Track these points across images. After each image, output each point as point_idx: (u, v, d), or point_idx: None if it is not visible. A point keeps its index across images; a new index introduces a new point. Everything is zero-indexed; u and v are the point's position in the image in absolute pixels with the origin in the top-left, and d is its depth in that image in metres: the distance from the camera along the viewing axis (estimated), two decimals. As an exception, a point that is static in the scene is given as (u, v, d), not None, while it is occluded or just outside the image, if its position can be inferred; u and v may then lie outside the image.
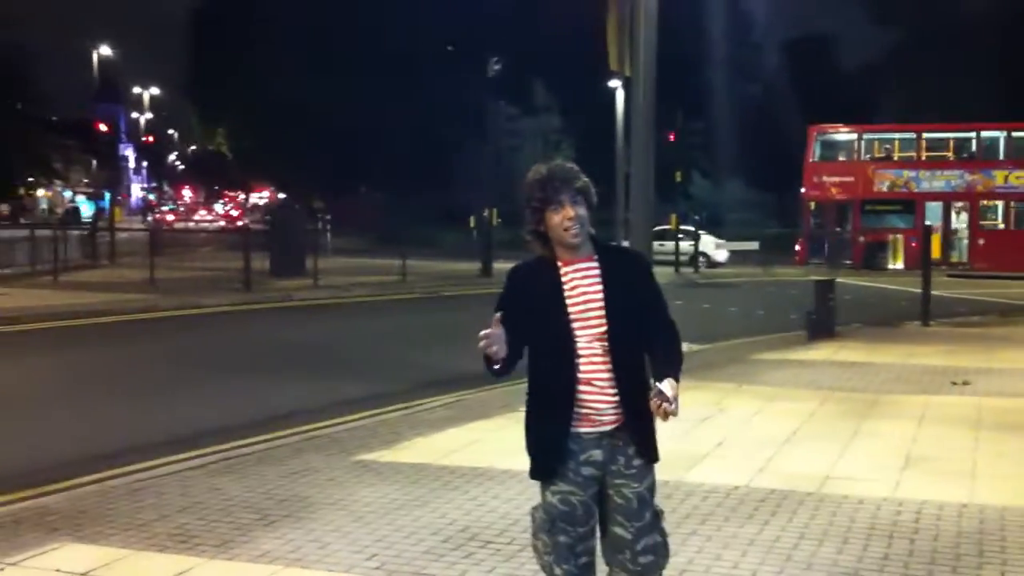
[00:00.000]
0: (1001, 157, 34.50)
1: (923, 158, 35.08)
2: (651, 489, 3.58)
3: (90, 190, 75.05)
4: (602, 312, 3.46)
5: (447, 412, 9.35)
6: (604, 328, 3.45)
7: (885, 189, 34.91)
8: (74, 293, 20.19)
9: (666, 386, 3.37)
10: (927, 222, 28.42)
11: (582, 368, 3.47)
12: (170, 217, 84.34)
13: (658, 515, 3.61)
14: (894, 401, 9.77)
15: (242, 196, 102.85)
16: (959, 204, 34.64)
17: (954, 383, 10.64)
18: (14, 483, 6.99)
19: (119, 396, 10.67)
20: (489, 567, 5.20)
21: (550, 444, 3.52)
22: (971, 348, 13.44)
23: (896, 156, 35.69)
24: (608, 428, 3.50)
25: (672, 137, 30.76)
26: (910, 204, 34.41)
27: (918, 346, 13.74)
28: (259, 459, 7.56)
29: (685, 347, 12.81)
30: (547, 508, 3.56)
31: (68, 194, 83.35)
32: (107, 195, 49.15)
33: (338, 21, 52.59)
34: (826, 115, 39.55)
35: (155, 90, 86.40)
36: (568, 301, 3.47)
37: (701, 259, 32.36)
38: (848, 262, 32.81)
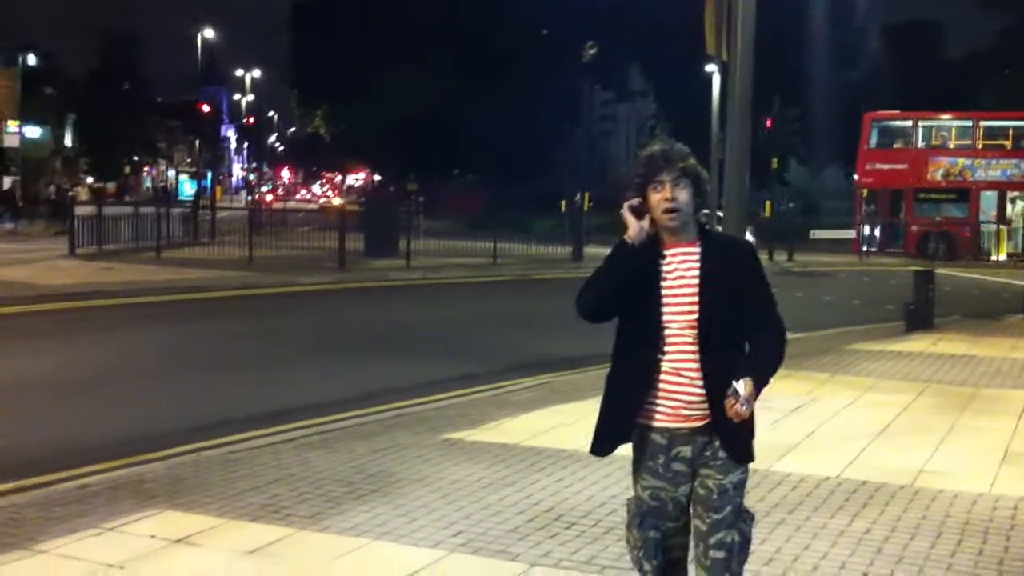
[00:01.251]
0: None
1: (979, 147, 34.11)
2: (737, 485, 3.42)
3: (192, 170, 76.83)
4: (695, 300, 3.33)
5: (535, 394, 9.38)
6: (695, 317, 3.33)
7: (939, 178, 34.03)
8: (175, 269, 20.74)
9: (740, 385, 3.25)
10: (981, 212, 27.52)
11: (670, 356, 3.35)
12: (269, 197, 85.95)
13: (742, 514, 3.44)
14: (994, 395, 9.51)
15: (339, 177, 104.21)
16: (1014, 194, 33.62)
17: (1058, 379, 10.31)
18: (114, 452, 7.22)
19: (216, 370, 10.93)
20: (573, 548, 5.22)
21: (611, 425, 3.46)
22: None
23: (952, 144, 34.73)
24: (697, 425, 3.37)
25: (769, 123, 30.24)
26: (964, 193, 33.54)
27: (1020, 339, 13.34)
28: (350, 435, 7.69)
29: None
30: (638, 502, 3.49)
31: (171, 174, 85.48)
32: (208, 175, 50.22)
33: (437, 6, 52.84)
34: (927, 102, 38.52)
35: (256, 72, 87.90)
36: (663, 284, 3.36)
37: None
38: (899, 251, 31.91)
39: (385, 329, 14.52)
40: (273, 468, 6.66)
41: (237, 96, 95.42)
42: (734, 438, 3.38)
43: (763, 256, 27.72)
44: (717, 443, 3.38)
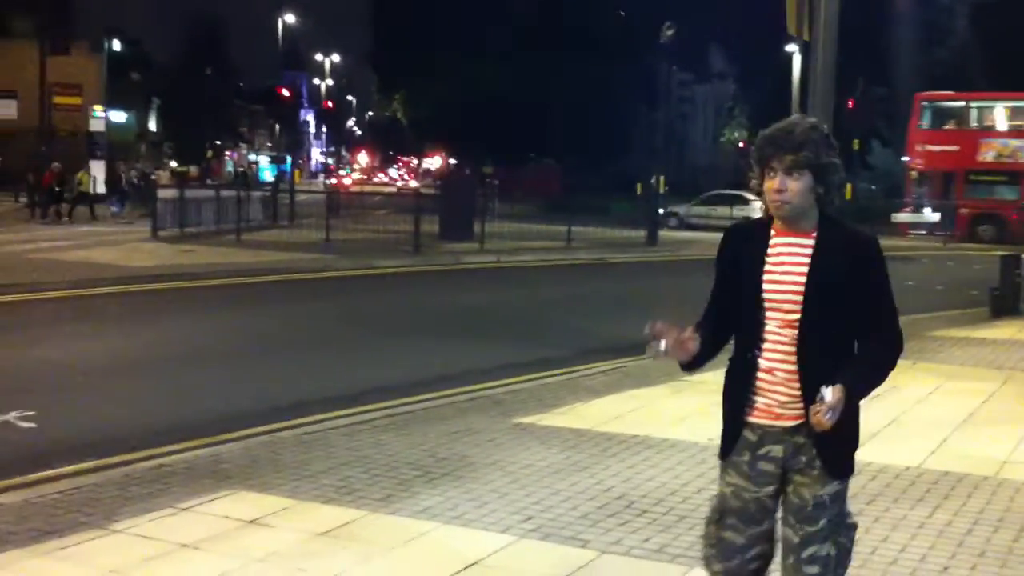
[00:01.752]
0: None
1: None
2: (835, 497, 3.15)
3: (273, 154, 77.96)
4: (799, 297, 3.04)
5: (608, 379, 9.31)
6: (797, 316, 3.05)
7: (991, 159, 32.98)
8: (254, 251, 21.04)
9: (828, 392, 2.93)
10: None
11: (766, 354, 3.11)
12: (347, 181, 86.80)
13: (842, 526, 3.20)
14: (1085, 385, 9.20)
15: (415, 161, 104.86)
16: None
17: None
18: (193, 432, 7.32)
19: (294, 352, 11.04)
20: (644, 536, 5.16)
21: (726, 424, 3.24)
22: None
23: (1005, 126, 33.73)
24: (789, 424, 3.11)
25: (851, 104, 29.62)
26: (1015, 175, 32.57)
27: (1114, 328, 12.90)
28: (423, 417, 7.71)
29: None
30: (721, 498, 3.26)
31: (253, 157, 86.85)
32: (288, 159, 50.88)
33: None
34: (1017, 83, 37.37)
35: (336, 57, 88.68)
36: (766, 276, 3.10)
37: None
38: (948, 233, 30.92)
39: (459, 312, 14.56)
40: (347, 450, 6.70)
41: (317, 81, 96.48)
42: (830, 448, 3.10)
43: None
44: (814, 450, 3.11)
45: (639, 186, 32.99)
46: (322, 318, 13.68)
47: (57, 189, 30.65)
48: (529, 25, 51.35)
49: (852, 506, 5.65)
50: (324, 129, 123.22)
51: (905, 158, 34.83)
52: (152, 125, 68.96)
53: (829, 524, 3.16)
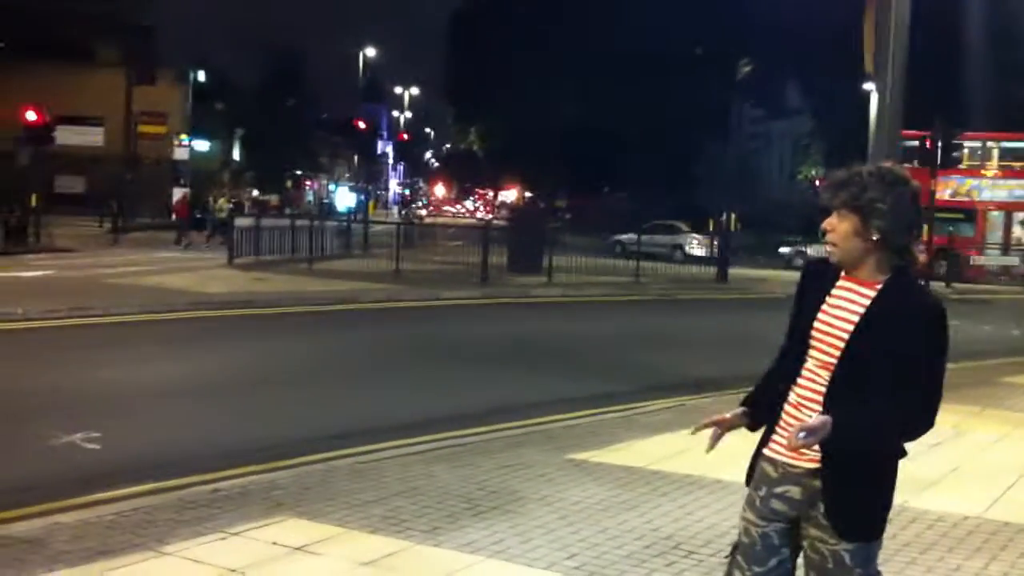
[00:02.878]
0: None
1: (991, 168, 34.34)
2: (857, 552, 3.01)
3: (351, 184, 79.11)
4: (841, 343, 2.99)
5: (666, 416, 9.25)
6: (834, 360, 3.01)
7: (947, 197, 33.32)
8: (325, 280, 21.33)
9: (815, 419, 2.93)
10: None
11: (798, 389, 3.09)
12: (422, 212, 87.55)
13: None
14: None
15: (491, 193, 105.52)
16: (1021, 215, 33.69)
17: None
18: (250, 457, 7.44)
19: (353, 380, 11.16)
20: (688, 577, 5.11)
21: (754, 459, 3.23)
22: None
23: (964, 164, 34.20)
24: (810, 466, 3.03)
25: (928, 144, 29.10)
26: (971, 213, 33.65)
27: None
28: (476, 450, 7.73)
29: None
30: (739, 533, 3.23)
31: (333, 188, 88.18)
32: (365, 190, 51.53)
33: (590, 24, 53.02)
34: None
35: (415, 90, 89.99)
36: (820, 315, 3.07)
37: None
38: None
39: (521, 345, 14.58)
40: (398, 480, 6.75)
41: (396, 113, 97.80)
42: (839, 500, 2.99)
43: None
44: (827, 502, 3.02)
45: (711, 222, 32.80)
46: (384, 347, 13.81)
47: (199, 216, 31.39)
48: (605, 54, 51.53)
49: (905, 555, 5.61)
50: (402, 161, 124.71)
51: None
52: (235, 154, 70.47)
53: None
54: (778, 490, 3.10)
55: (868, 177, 2.99)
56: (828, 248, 3.07)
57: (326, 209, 47.05)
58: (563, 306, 20.48)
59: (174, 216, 32.95)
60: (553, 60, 52.83)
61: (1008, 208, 33.99)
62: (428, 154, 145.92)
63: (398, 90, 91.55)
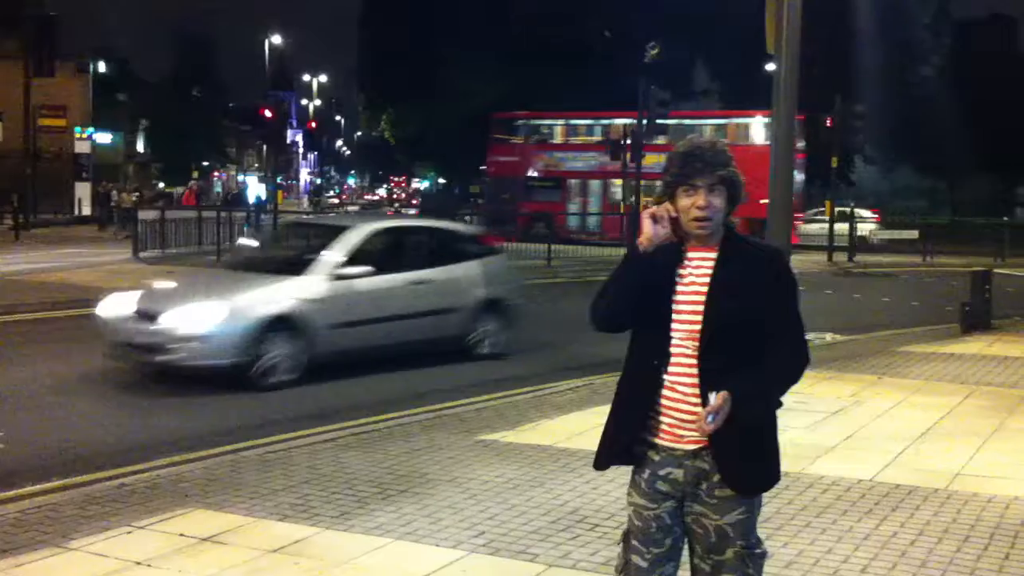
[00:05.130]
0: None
1: (568, 141, 39.13)
2: (737, 526, 3.13)
3: (260, 174, 78.09)
4: (702, 311, 3.08)
5: (575, 395, 9.40)
6: (697, 329, 3.08)
7: (544, 168, 38.18)
8: (235, 273, 21.03)
9: (713, 397, 2.99)
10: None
11: (668, 370, 3.11)
12: (334, 201, 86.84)
13: (749, 558, 3.17)
14: (1045, 398, 9.31)
15: (406, 181, 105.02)
16: (595, 183, 37.53)
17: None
18: (155, 452, 7.40)
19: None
20: (592, 550, 5.25)
21: (613, 438, 3.26)
22: None
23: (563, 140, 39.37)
24: (691, 447, 3.11)
25: (830, 122, 29.79)
26: (558, 181, 37.73)
27: (1081, 342, 13.03)
28: (387, 435, 7.78)
29: (828, 337, 12.44)
30: (628, 519, 3.25)
31: (241, 178, 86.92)
32: (274, 180, 50.92)
33: (500, 9, 52.99)
34: (1001, 100, 37.79)
35: (324, 77, 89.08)
36: (676, 291, 3.12)
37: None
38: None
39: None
40: (308, 468, 6.77)
41: (305, 101, 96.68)
42: (733, 465, 3.09)
43: (821, 257, 27.56)
44: (715, 477, 3.11)
45: (621, 205, 33.16)
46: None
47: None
48: (515, 41, 51.55)
49: (801, 519, 5.82)
50: (314, 150, 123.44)
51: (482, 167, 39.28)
52: (140, 146, 69.05)
53: (736, 556, 3.16)
54: (661, 472, 3.16)
55: (729, 155, 3.14)
56: (701, 224, 3.10)
57: (235, 200, 46.34)
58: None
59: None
60: (465, 45, 52.68)
61: (583, 177, 37.84)
62: (340, 142, 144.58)
63: (307, 78, 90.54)
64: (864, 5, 46.15)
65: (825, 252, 28.49)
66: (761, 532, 5.43)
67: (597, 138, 38.15)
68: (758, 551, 3.22)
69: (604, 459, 3.34)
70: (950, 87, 49.06)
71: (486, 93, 50.09)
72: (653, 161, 33.67)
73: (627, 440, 3.22)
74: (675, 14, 44.90)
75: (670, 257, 3.16)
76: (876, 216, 38.58)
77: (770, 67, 11.74)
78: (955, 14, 58.05)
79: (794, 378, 3.19)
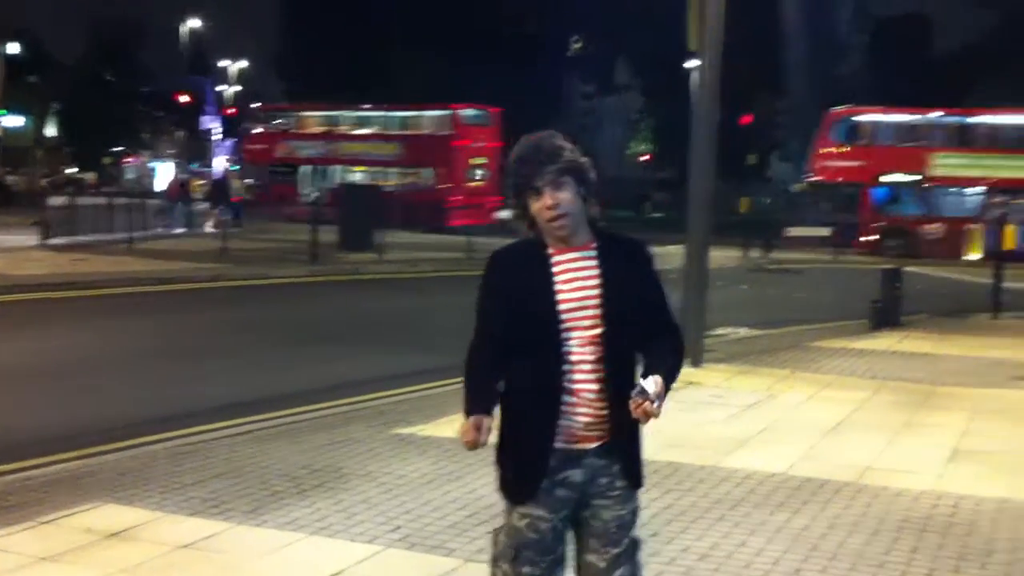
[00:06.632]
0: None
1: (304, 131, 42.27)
2: (634, 514, 3.15)
3: (176, 161, 76.53)
4: (598, 312, 3.00)
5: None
6: (599, 331, 3.00)
7: (285, 155, 41.15)
8: (148, 260, 20.65)
9: (650, 383, 2.93)
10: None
11: (570, 376, 3.01)
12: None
13: (636, 545, 3.17)
14: (950, 393, 9.55)
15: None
16: (322, 167, 40.43)
17: (1016, 377, 10.36)
18: (69, 443, 7.20)
19: (183, 361, 10.90)
20: (509, 543, 5.22)
21: (530, 462, 3.04)
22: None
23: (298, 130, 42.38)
24: (592, 446, 3.05)
25: (748, 119, 30.22)
26: (294, 167, 40.61)
27: (984, 338, 13.41)
28: (304, 429, 7.69)
29: (742, 332, 12.68)
30: (513, 534, 3.10)
31: (154, 164, 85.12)
32: (190, 166, 50.02)
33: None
34: (919, 97, 38.61)
35: (243, 63, 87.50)
36: (559, 297, 3.01)
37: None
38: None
39: (354, 322, 14.51)
40: (221, 461, 6.65)
41: (223, 87, 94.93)
42: (631, 458, 3.11)
43: (736, 253, 27.92)
44: (616, 468, 3.08)
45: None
46: (212, 328, 13.53)
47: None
48: (436, 28, 51.31)
49: (715, 512, 5.88)
50: (231, 137, 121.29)
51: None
52: (52, 130, 67.26)
53: (631, 543, 3.15)
54: (559, 477, 3.05)
55: (560, 140, 3.07)
56: (559, 224, 3.01)
57: (148, 186, 45.51)
58: (395, 282, 20.43)
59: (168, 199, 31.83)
60: (384, 34, 52.34)
61: (315, 163, 40.55)
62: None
63: (225, 63, 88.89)
64: (787, 2, 46.90)
65: (740, 247, 28.89)
66: (677, 525, 5.56)
67: (323, 128, 41.74)
68: (639, 537, 3.24)
69: (529, 487, 3.07)
70: (869, 84, 50.08)
71: (399, 86, 49.83)
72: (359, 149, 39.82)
73: (543, 459, 3.05)
74: (596, 5, 45.18)
75: (538, 266, 3.05)
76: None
77: (690, 64, 11.80)
78: (873, 11, 59.23)
79: (681, 362, 3.18)
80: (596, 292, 3.03)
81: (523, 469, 3.07)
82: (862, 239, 31.02)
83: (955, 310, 16.93)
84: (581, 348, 3.03)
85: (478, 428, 2.99)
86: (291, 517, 5.56)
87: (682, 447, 7.02)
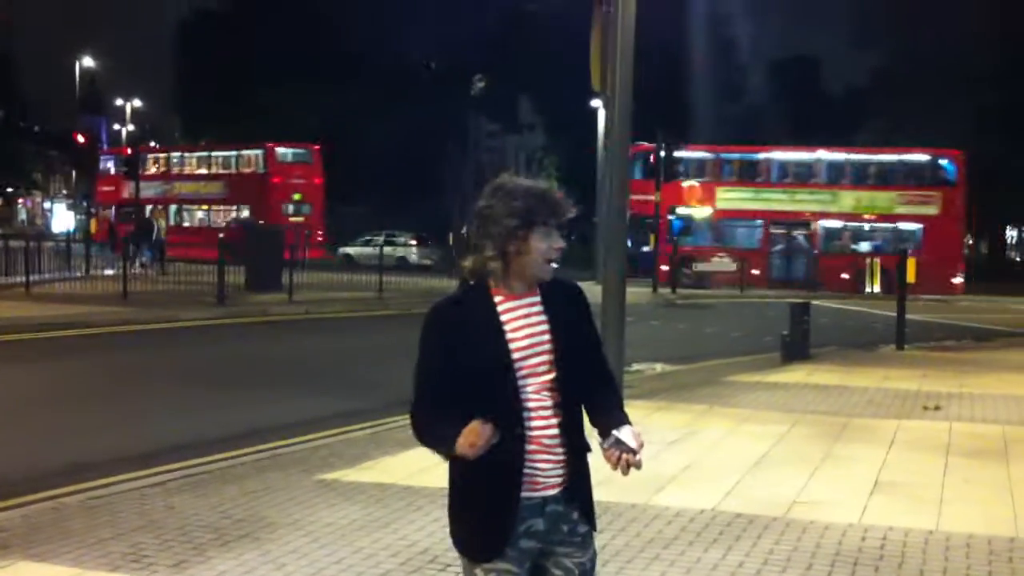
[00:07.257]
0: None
1: (174, 172, 44.19)
2: (593, 560, 3.10)
3: (70, 201, 74.64)
4: (550, 357, 2.98)
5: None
6: (552, 375, 2.98)
7: (129, 195, 40.73)
8: (46, 305, 19.96)
9: (627, 434, 2.93)
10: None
11: (529, 423, 2.96)
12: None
13: None
14: (865, 425, 9.73)
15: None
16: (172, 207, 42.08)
17: (926, 408, 10.61)
18: (-32, 499, 6.86)
19: (81, 411, 10.51)
20: (446, 591, 5.11)
21: (496, 517, 2.95)
22: (944, 372, 13.42)
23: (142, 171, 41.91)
24: (552, 492, 3.00)
25: (653, 159, 30.73)
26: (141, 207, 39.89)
27: (892, 369, 13.72)
28: (220, 477, 7.45)
29: (658, 368, 12.77)
30: None
31: (48, 205, 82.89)
32: (85, 207, 48.83)
33: (324, 35, 52.58)
34: (810, 136, 39.76)
35: (138, 102, 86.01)
36: (512, 345, 2.97)
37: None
38: None
39: (263, 366, 14.20)
40: (137, 514, 6.40)
41: (117, 126, 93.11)
42: (589, 501, 3.08)
43: (646, 290, 28.27)
44: (574, 515, 3.04)
45: (451, 237, 33.20)
46: (113, 374, 13.10)
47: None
48: (339, 68, 51.15)
49: (650, 551, 5.85)
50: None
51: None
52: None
53: None
54: (522, 528, 2.98)
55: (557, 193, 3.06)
56: (553, 268, 3.03)
57: (43, 229, 44.28)
58: (305, 323, 20.11)
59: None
60: (285, 69, 52.02)
61: (156, 203, 40.85)
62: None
63: (119, 102, 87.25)
64: (685, 43, 47.99)
65: (650, 284, 29.24)
66: (613, 566, 5.51)
67: (162, 169, 43.78)
68: None
69: (498, 545, 2.97)
70: (760, 124, 51.38)
71: (306, 120, 49.55)
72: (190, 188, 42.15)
73: (511, 521, 2.96)
74: (498, 44, 45.60)
75: (485, 314, 3.00)
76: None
77: (595, 103, 11.90)
78: (767, 55, 61.01)
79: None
80: (547, 337, 3.01)
81: (489, 524, 2.96)
82: (661, 268, 31.82)
83: (861, 343, 17.32)
84: (537, 395, 3.00)
85: (483, 426, 2.87)
86: (217, 570, 5.36)
87: (609, 485, 6.89)
